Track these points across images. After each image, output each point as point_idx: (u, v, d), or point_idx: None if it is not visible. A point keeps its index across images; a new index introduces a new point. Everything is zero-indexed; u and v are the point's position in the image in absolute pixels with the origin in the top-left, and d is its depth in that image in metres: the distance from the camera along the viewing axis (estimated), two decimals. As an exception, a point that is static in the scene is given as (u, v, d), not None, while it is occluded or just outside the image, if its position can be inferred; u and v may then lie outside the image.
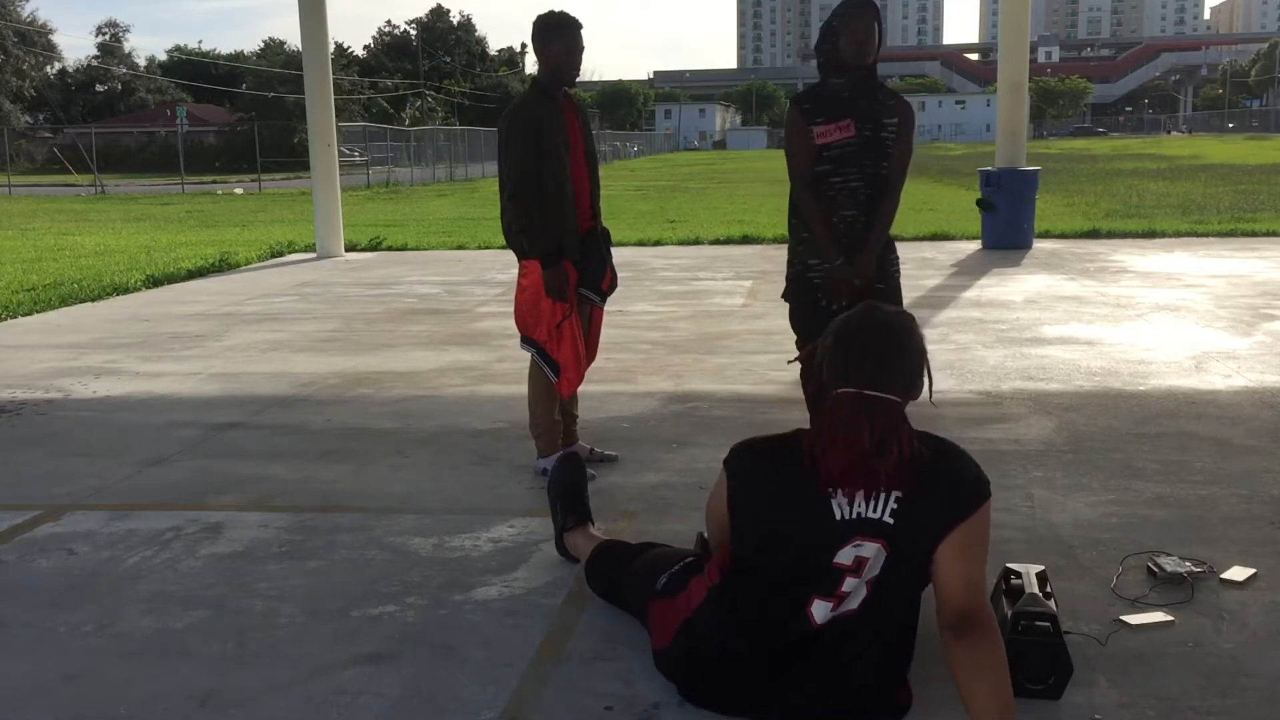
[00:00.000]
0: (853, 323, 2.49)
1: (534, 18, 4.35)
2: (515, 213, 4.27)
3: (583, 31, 4.32)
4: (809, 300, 4.16)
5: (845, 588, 2.45)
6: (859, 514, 2.42)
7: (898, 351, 2.44)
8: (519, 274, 4.41)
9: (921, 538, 2.42)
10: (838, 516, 2.43)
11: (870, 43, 3.95)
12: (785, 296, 4.30)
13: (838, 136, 4.00)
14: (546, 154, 4.21)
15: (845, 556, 2.44)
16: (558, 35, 4.27)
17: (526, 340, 4.42)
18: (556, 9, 4.38)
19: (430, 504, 4.21)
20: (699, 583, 2.67)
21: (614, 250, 4.65)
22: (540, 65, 4.37)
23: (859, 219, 4.06)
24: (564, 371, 4.37)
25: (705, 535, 3.05)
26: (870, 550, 2.43)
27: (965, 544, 2.41)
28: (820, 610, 2.47)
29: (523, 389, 4.61)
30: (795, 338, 4.29)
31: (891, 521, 2.41)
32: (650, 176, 39.35)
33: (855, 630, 2.48)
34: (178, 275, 11.93)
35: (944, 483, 2.42)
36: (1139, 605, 3.12)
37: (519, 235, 4.30)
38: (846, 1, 3.97)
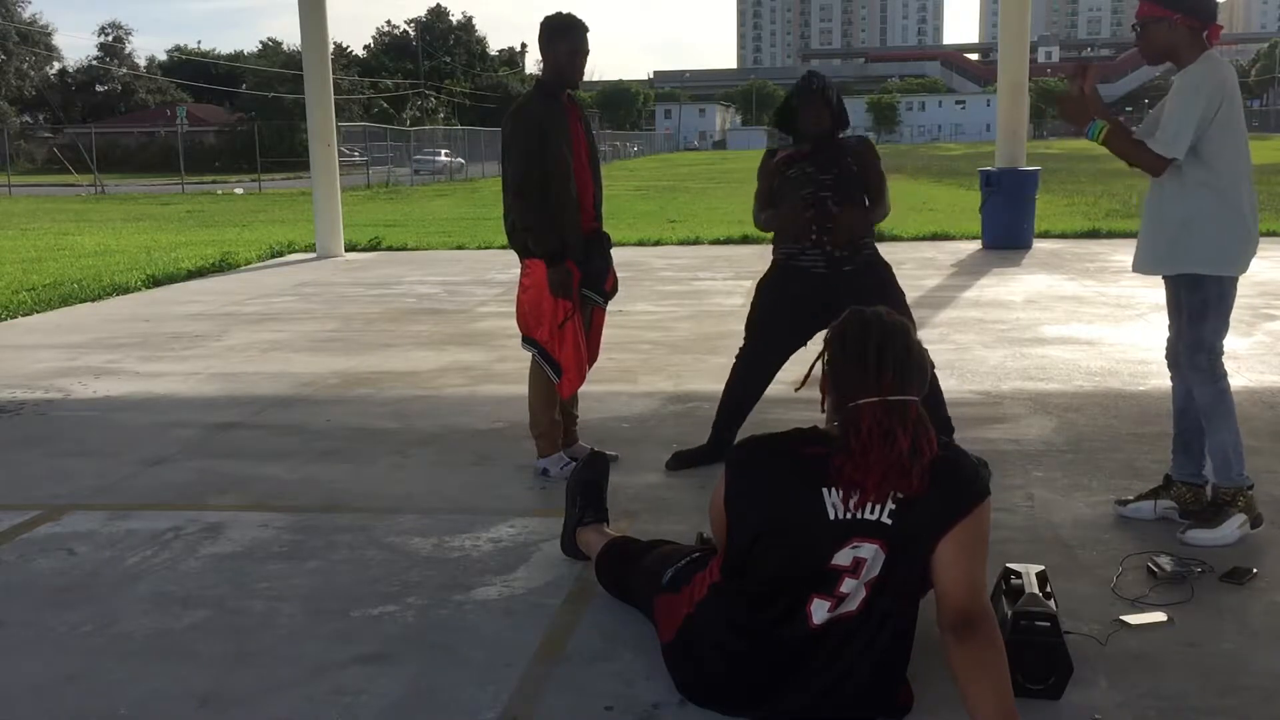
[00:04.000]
0: (855, 331, 2.46)
1: (541, 19, 4.35)
2: (520, 211, 4.27)
3: (589, 34, 4.32)
4: (781, 286, 4.44)
5: (844, 588, 2.45)
6: (856, 515, 2.42)
7: (907, 351, 2.44)
8: (521, 274, 4.41)
9: (920, 537, 2.42)
10: (832, 517, 2.43)
11: (825, 114, 4.38)
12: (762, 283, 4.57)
13: (794, 155, 4.43)
14: (550, 154, 4.21)
15: (843, 558, 2.44)
16: (563, 37, 4.27)
17: (528, 340, 4.42)
18: (564, 10, 4.38)
19: (430, 504, 4.21)
20: (702, 578, 2.68)
21: (614, 250, 4.65)
22: (545, 66, 4.36)
23: (819, 193, 4.31)
24: (565, 372, 4.37)
25: (703, 535, 3.06)
26: (868, 551, 2.43)
27: (964, 543, 2.41)
28: (818, 610, 2.47)
29: (523, 389, 4.60)
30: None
31: (890, 522, 2.41)
32: (650, 176, 39.34)
33: (855, 631, 2.48)
34: (178, 275, 11.93)
35: (942, 482, 2.42)
36: (1139, 605, 3.12)
37: (523, 234, 4.30)
38: (801, 83, 4.46)
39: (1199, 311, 3.60)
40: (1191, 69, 3.52)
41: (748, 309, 4.65)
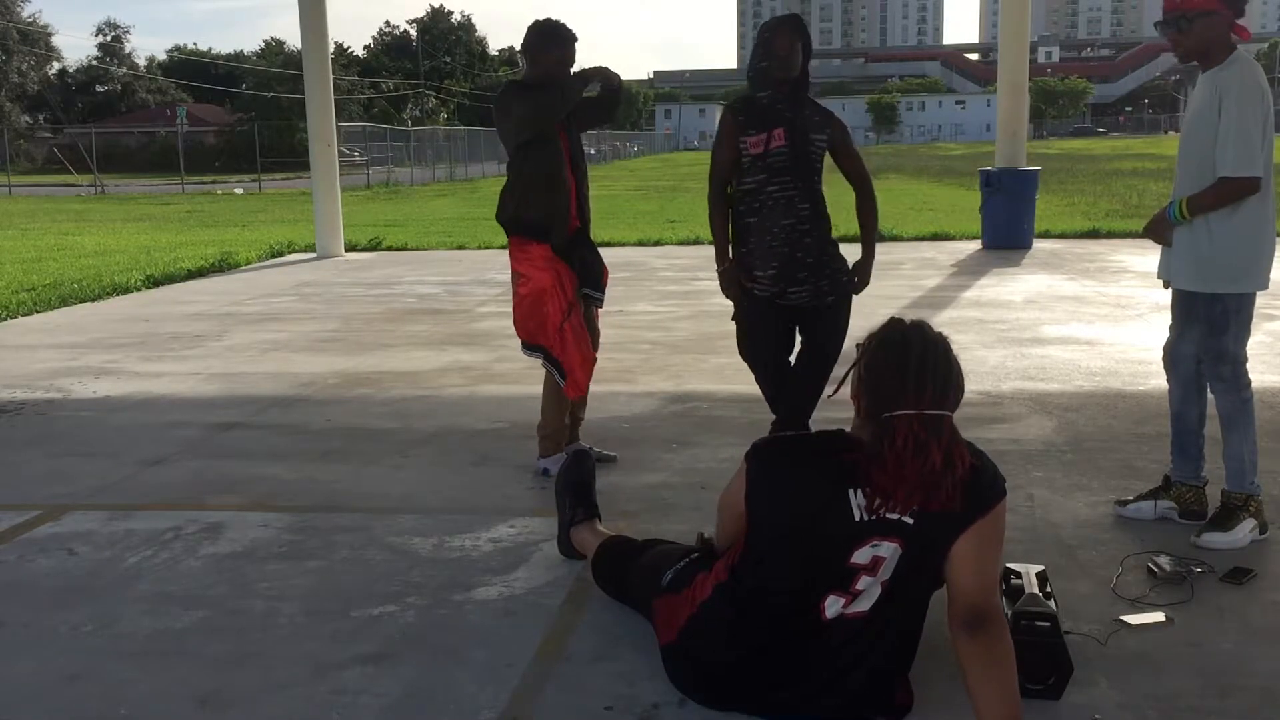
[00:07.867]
0: (896, 341, 2.45)
1: (531, 22, 4.34)
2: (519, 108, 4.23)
3: (576, 43, 4.33)
4: (756, 310, 4.38)
5: (859, 585, 2.46)
6: (879, 515, 2.42)
7: (948, 365, 2.44)
8: (516, 282, 4.40)
9: (939, 536, 2.42)
10: (857, 518, 2.42)
11: (794, 57, 4.16)
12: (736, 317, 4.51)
13: (773, 145, 4.17)
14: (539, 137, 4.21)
15: (862, 556, 2.44)
16: (556, 45, 4.26)
17: (531, 346, 4.41)
18: (553, 17, 4.36)
19: (430, 504, 4.21)
20: (705, 579, 2.67)
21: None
22: (531, 70, 4.33)
23: (797, 228, 4.20)
24: (570, 374, 4.36)
25: (704, 535, 3.05)
26: (887, 550, 2.43)
27: (980, 541, 2.42)
28: (832, 606, 2.47)
29: (523, 389, 4.61)
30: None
31: (910, 521, 2.41)
32: (650, 176, 39.34)
33: (862, 630, 2.48)
34: (178, 275, 11.93)
35: (968, 489, 2.42)
36: (1139, 605, 3.12)
37: (518, 126, 4.23)
38: (772, 18, 4.24)
39: (1220, 323, 3.54)
40: (1234, 74, 3.39)
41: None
